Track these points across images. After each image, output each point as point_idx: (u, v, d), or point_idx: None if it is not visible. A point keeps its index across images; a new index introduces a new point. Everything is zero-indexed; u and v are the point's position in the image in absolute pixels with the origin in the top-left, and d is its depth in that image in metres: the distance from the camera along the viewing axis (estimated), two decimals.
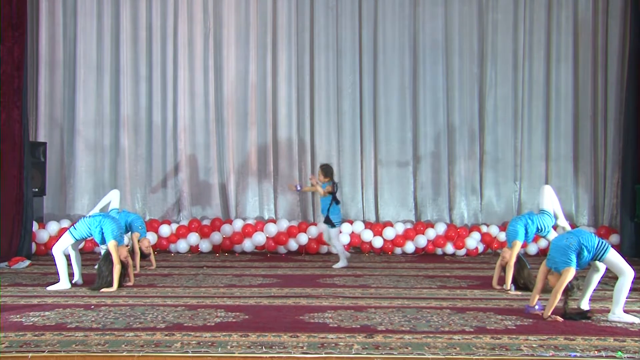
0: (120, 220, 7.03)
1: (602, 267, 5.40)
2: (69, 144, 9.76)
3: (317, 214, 9.86)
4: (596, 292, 6.25)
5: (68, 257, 6.52)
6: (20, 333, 4.56)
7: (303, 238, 9.27)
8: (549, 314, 5.13)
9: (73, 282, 6.53)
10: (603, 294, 6.17)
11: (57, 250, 6.43)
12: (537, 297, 5.37)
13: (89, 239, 6.88)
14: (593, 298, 5.90)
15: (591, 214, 10.06)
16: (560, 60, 10.05)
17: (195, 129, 9.90)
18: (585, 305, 5.50)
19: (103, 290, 6.21)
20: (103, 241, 6.39)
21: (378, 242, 9.39)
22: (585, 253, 5.08)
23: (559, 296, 5.09)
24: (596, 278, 5.50)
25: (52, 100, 9.73)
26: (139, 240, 7.62)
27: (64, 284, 6.40)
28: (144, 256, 7.70)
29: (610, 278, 5.38)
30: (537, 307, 5.32)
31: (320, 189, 8.01)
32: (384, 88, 10.00)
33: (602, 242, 5.15)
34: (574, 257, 5.06)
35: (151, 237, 9.05)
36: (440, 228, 9.54)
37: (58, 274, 6.43)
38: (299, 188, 8.62)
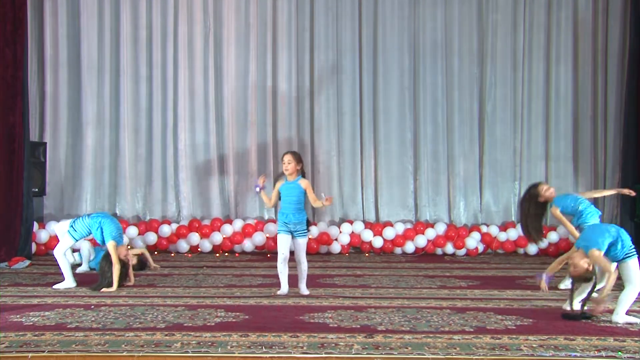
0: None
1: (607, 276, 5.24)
2: (69, 144, 9.73)
3: (317, 214, 9.86)
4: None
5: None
6: (20, 333, 4.56)
7: None
8: (604, 296, 4.99)
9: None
10: None
11: (59, 253, 6.48)
12: (558, 268, 5.31)
13: (88, 238, 6.88)
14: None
15: None
16: (560, 60, 10.04)
17: (195, 129, 9.89)
18: (576, 305, 5.49)
19: (103, 290, 6.22)
20: (104, 241, 6.41)
21: (378, 242, 9.39)
22: (619, 247, 5.03)
23: (614, 275, 4.99)
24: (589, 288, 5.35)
25: (55, 101, 9.70)
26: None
27: (69, 283, 6.46)
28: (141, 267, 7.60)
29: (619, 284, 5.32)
30: (544, 277, 5.27)
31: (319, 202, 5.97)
32: (384, 88, 9.99)
33: (634, 247, 5.11)
34: (607, 243, 4.99)
35: (151, 237, 9.07)
36: (440, 228, 9.54)
37: (62, 273, 6.47)
38: (258, 189, 6.39)
